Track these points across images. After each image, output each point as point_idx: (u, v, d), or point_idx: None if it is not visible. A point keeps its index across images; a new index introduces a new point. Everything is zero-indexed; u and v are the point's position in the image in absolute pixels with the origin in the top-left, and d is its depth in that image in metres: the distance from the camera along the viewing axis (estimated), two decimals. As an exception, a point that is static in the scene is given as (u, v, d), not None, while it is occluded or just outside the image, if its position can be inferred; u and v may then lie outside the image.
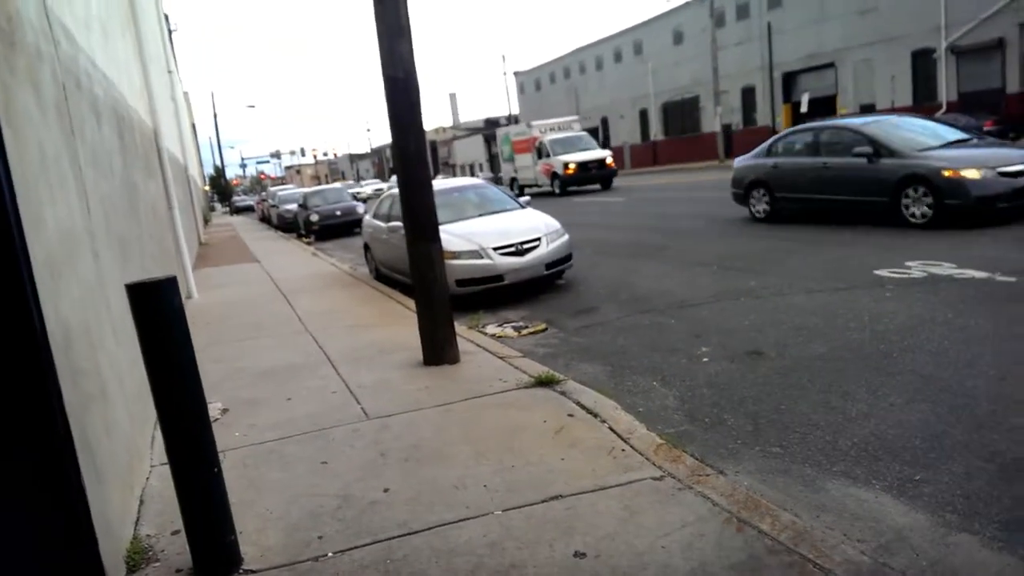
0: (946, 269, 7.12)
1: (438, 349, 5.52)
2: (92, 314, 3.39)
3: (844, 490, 3.30)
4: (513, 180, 33.73)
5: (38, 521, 2.40)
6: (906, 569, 2.63)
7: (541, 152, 30.06)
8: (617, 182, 29.42)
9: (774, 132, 36.60)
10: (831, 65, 34.48)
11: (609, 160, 28.47)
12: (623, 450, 3.78)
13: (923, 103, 29.85)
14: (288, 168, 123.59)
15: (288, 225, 26.62)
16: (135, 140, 7.34)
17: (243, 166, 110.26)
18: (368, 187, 46.15)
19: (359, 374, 5.66)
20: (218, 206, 65.13)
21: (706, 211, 15.32)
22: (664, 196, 20.66)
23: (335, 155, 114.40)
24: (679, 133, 45.31)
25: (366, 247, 12.05)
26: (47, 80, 3.27)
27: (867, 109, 32.70)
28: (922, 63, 30.12)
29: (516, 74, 64.51)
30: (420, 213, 5.29)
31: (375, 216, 11.24)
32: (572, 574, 2.72)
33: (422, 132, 5.26)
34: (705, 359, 5.42)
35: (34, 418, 2.33)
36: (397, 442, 4.17)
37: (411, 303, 8.62)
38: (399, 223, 9.52)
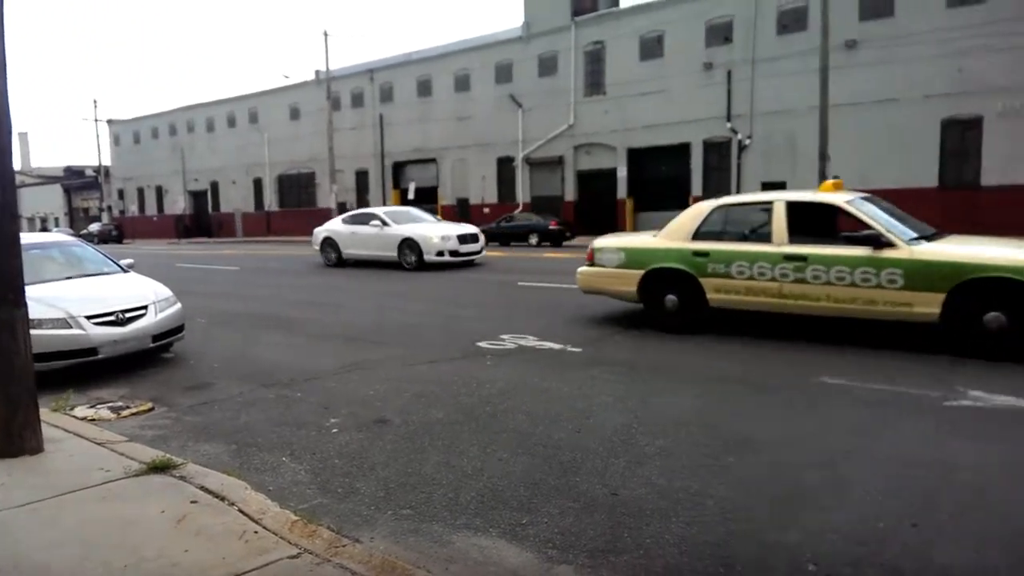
0: (531, 341, 8.45)
1: (16, 437, 4.53)
2: None
3: (468, 540, 3.66)
4: None
5: None
6: (521, 602, 3.04)
7: None
8: (230, 250, 28.06)
9: (386, 214, 39.26)
10: (434, 160, 38.62)
11: None
12: (256, 532, 3.61)
13: (506, 201, 35.25)
14: None
15: None
16: None
17: None
18: None
19: None
20: None
21: (333, 282, 15.55)
22: (285, 267, 20.36)
23: None
24: (295, 205, 45.40)
25: None
26: None
27: (463, 203, 37.34)
28: (506, 168, 35.71)
29: (110, 123, 57.52)
30: (5, 274, 4.38)
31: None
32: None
33: (13, 182, 4.43)
34: (335, 430, 5.49)
35: None
36: (-43, 559, 3.30)
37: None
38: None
